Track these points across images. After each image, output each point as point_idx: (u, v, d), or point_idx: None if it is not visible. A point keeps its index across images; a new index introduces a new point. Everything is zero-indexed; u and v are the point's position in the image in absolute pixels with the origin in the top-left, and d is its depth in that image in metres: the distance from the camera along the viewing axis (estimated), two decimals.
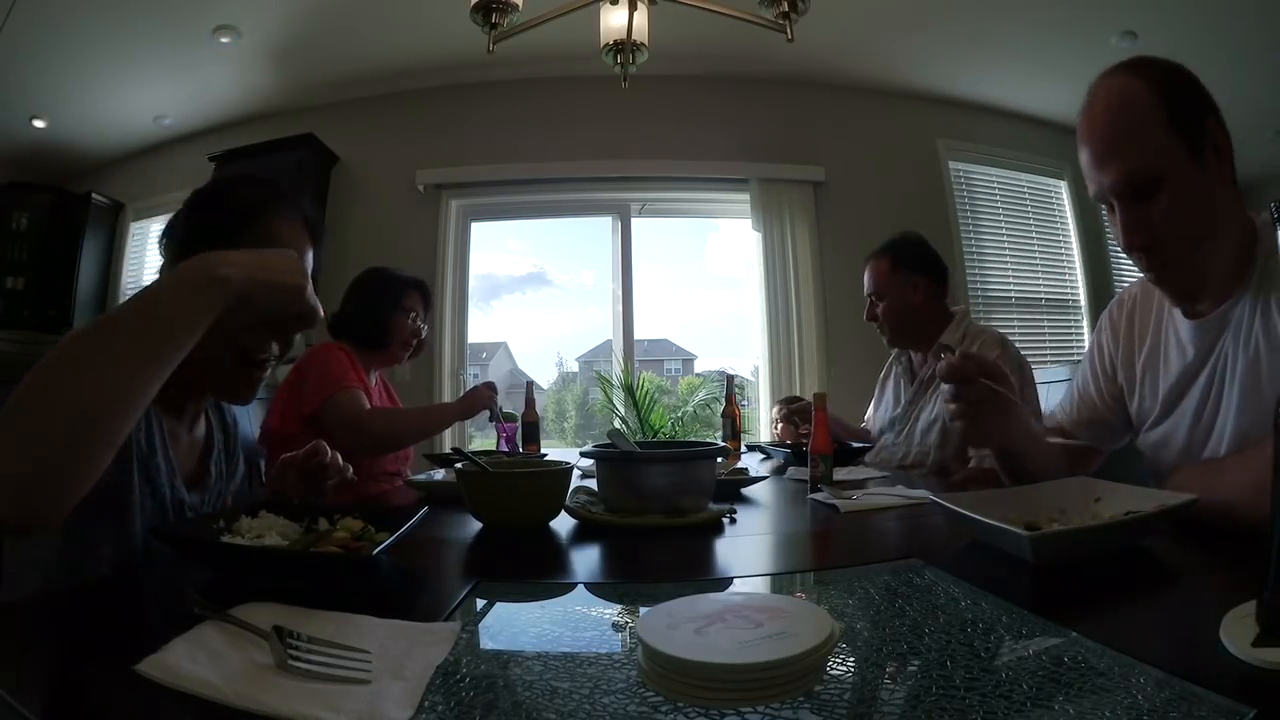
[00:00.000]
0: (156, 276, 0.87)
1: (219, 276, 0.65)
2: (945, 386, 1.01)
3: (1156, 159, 0.87)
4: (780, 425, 2.09)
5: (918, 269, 1.92)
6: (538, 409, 2.22)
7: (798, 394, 3.75)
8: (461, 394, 2.02)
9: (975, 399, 0.98)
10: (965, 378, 0.98)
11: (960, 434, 1.08)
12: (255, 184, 0.98)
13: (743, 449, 2.15)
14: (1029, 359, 1.86)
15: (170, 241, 0.95)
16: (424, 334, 2.03)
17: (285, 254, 0.74)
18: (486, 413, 1.99)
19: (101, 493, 0.76)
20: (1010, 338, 1.93)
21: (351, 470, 1.11)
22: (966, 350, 1.05)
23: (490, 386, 1.99)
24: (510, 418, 2.17)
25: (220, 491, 1.05)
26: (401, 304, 1.96)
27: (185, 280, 0.65)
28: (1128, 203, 0.90)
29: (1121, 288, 4.32)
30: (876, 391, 2.20)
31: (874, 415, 2.17)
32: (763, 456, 2.19)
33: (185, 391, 0.95)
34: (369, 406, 1.79)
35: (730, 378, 2.30)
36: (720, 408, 4.29)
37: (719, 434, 4.07)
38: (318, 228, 0.99)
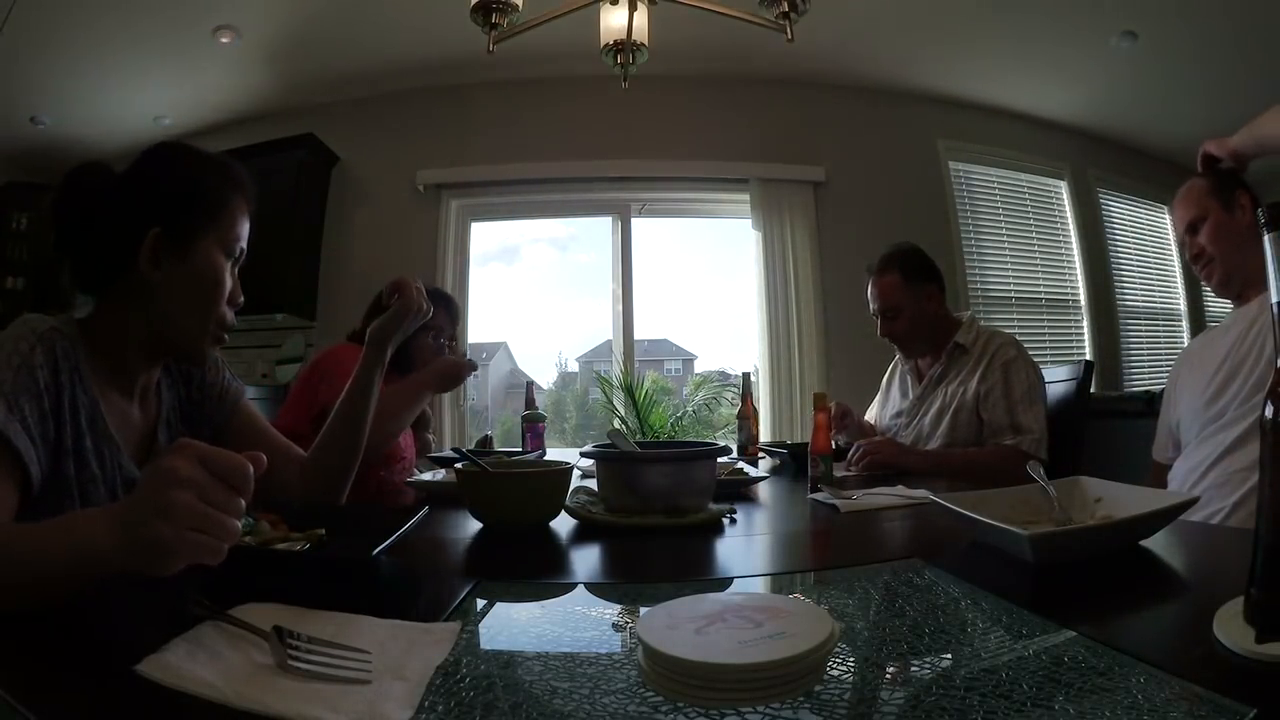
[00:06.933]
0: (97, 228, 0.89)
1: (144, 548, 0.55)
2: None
3: (1200, 210, 1.49)
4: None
5: (928, 278, 1.96)
6: (538, 409, 2.23)
7: (797, 394, 3.77)
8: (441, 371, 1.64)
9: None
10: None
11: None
12: (220, 173, 0.97)
13: (760, 454, 2.12)
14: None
15: (115, 206, 0.90)
16: (447, 352, 1.91)
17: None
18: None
19: (38, 498, 0.78)
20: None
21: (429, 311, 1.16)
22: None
23: (471, 365, 1.68)
24: (540, 418, 2.16)
25: None
26: (428, 325, 1.86)
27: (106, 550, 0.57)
28: (1190, 236, 1.52)
29: (1122, 288, 4.32)
30: (881, 391, 2.22)
31: (879, 412, 2.19)
32: (761, 456, 2.19)
33: (136, 367, 0.95)
34: None
35: (746, 375, 2.27)
36: (719, 408, 4.31)
37: (719, 434, 4.08)
38: (252, 191, 1.01)
